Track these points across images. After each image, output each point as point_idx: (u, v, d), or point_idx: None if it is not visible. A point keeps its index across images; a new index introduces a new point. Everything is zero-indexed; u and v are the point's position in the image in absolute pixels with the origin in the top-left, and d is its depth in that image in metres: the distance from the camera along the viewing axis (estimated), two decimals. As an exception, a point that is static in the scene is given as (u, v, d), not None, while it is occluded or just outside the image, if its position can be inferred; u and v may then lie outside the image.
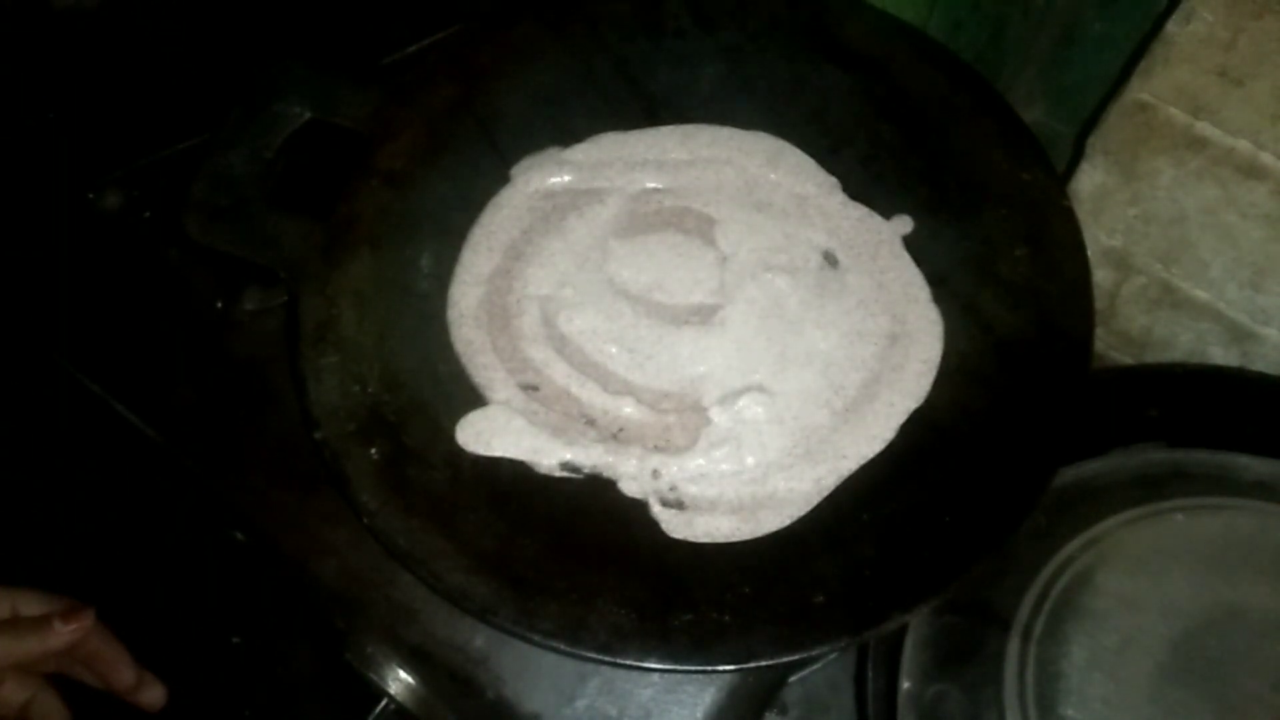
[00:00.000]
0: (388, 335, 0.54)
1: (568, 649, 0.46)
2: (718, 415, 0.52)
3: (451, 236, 0.58)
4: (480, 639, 0.53)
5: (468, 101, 0.61)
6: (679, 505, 0.50)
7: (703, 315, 0.56)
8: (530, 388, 0.53)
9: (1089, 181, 0.70)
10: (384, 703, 0.56)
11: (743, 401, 0.52)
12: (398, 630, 0.54)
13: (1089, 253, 0.56)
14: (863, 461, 0.51)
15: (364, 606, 0.55)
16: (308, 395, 0.51)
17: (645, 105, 0.62)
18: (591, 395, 0.53)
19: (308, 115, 0.58)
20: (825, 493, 0.51)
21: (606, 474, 0.51)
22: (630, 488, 0.51)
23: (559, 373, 0.54)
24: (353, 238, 0.56)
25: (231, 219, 0.55)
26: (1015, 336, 0.54)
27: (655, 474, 0.51)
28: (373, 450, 0.50)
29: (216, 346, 0.63)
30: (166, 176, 0.68)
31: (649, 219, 0.59)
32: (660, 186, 0.60)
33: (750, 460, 0.51)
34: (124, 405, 0.63)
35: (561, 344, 0.55)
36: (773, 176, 0.60)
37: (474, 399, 0.53)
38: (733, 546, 0.49)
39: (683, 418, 0.53)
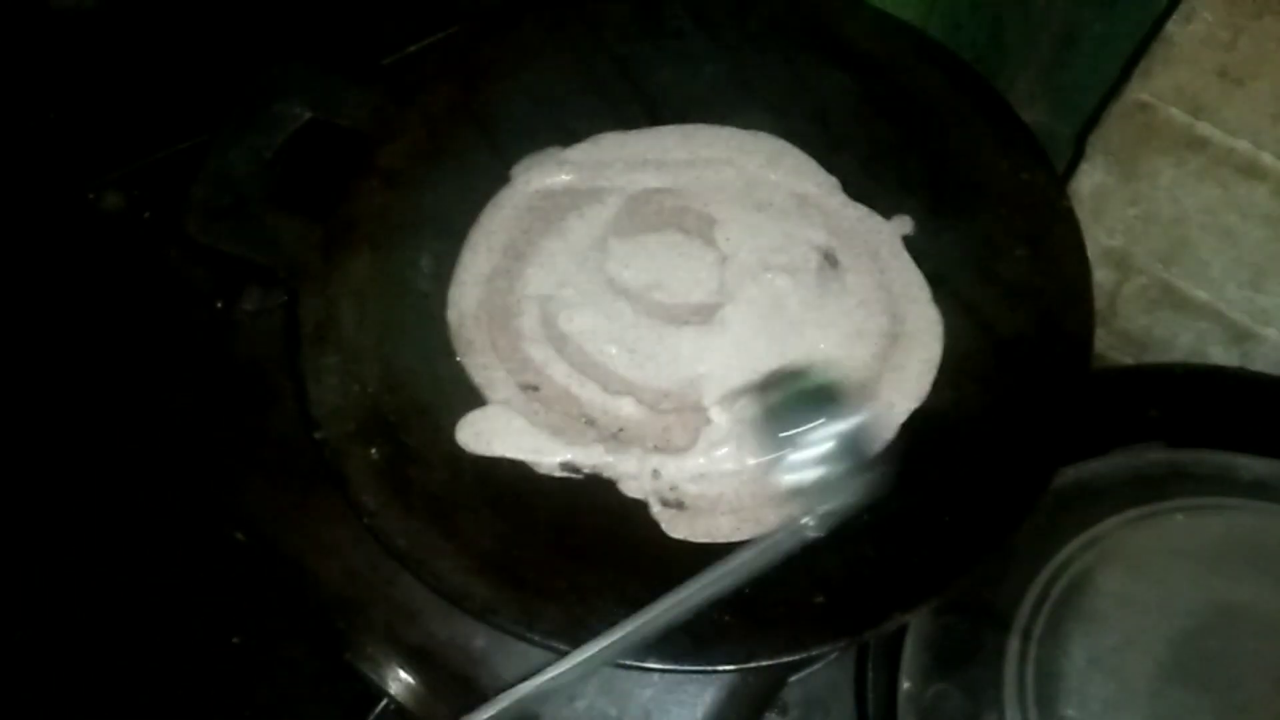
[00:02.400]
0: (388, 335, 0.54)
1: (568, 649, 0.45)
2: (718, 415, 0.52)
3: (451, 236, 0.58)
4: (480, 639, 0.53)
5: (468, 101, 0.61)
6: (679, 505, 0.50)
7: (703, 315, 0.56)
8: (530, 388, 0.53)
9: (1089, 181, 0.70)
10: (384, 702, 0.56)
11: (743, 401, 0.52)
12: (398, 630, 0.54)
13: (1089, 253, 0.56)
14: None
15: (364, 606, 0.55)
16: (308, 395, 0.51)
17: (645, 105, 0.62)
18: (591, 395, 0.53)
19: (308, 115, 0.58)
20: None
21: (606, 474, 0.51)
22: (631, 488, 0.51)
23: (559, 372, 0.54)
24: (353, 238, 0.56)
25: (231, 219, 0.55)
26: (1015, 336, 0.54)
27: (655, 474, 0.51)
28: (373, 450, 0.50)
29: (216, 346, 0.63)
30: (166, 176, 0.68)
31: (649, 219, 0.59)
32: (660, 186, 0.60)
33: (751, 461, 0.51)
34: (124, 406, 0.63)
35: (561, 344, 0.55)
36: (773, 176, 0.60)
37: (474, 399, 0.53)
38: (732, 546, 0.49)
39: (683, 417, 0.53)
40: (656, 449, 0.52)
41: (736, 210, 0.59)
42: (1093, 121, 0.70)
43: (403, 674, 0.54)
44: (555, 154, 0.60)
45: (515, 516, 0.50)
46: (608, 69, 0.63)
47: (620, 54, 0.63)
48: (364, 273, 0.55)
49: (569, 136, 0.61)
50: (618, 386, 0.54)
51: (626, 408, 0.53)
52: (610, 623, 0.46)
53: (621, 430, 0.52)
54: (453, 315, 0.55)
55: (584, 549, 0.49)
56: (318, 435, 0.50)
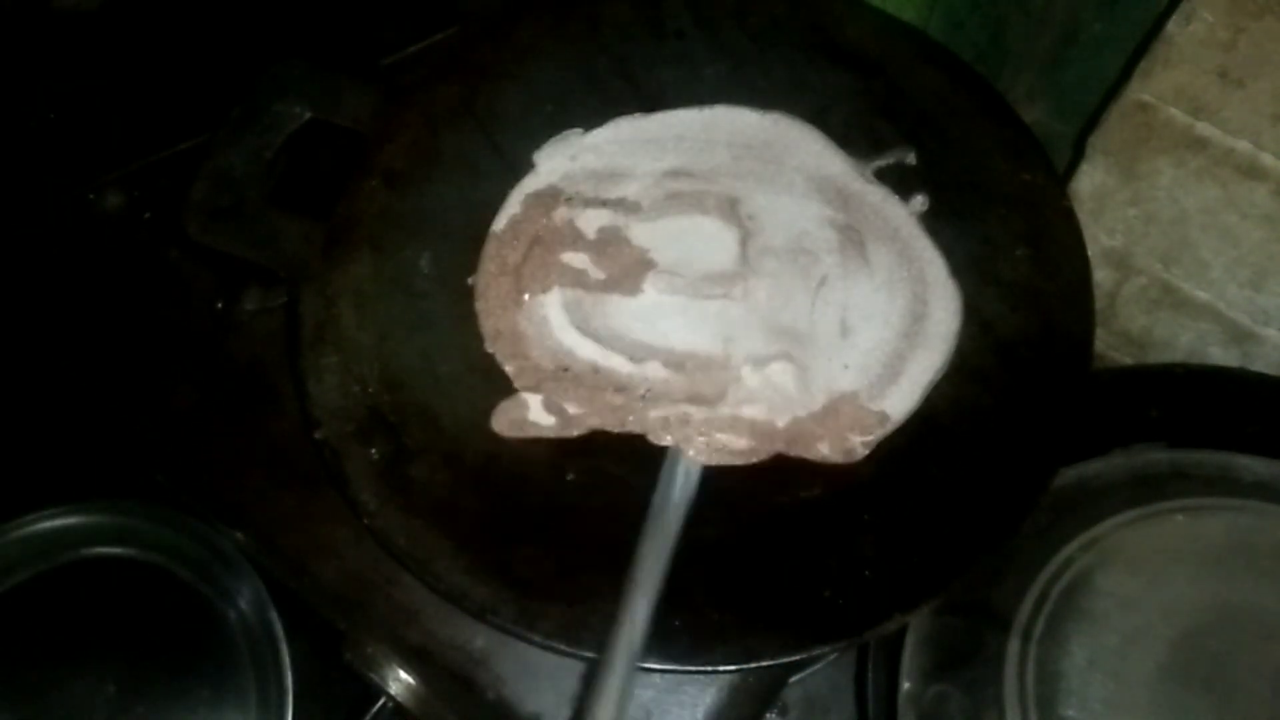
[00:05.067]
0: (388, 335, 0.54)
1: (568, 649, 0.46)
2: (749, 374, 0.53)
3: (452, 236, 0.58)
4: (480, 639, 0.53)
5: (468, 101, 0.61)
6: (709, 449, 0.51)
7: (726, 295, 0.56)
8: (561, 369, 0.53)
9: (1089, 181, 0.70)
10: (381, 701, 0.56)
11: (774, 366, 0.53)
12: (398, 630, 0.54)
13: (1089, 253, 0.56)
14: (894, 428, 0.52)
15: (364, 606, 0.55)
16: (308, 395, 0.51)
17: (646, 105, 0.62)
18: (618, 365, 0.54)
19: (308, 115, 0.58)
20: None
21: (636, 429, 0.52)
22: (661, 437, 0.51)
23: (587, 352, 0.54)
24: (353, 238, 0.56)
25: (231, 219, 0.55)
26: (1016, 336, 0.54)
27: (685, 420, 0.51)
28: (373, 450, 0.50)
29: (216, 346, 0.63)
30: (166, 176, 0.68)
31: (671, 200, 0.59)
32: (681, 167, 0.60)
33: (780, 424, 0.52)
34: (124, 406, 0.63)
35: (587, 325, 0.55)
36: (794, 158, 0.60)
37: (474, 398, 0.53)
38: (733, 546, 0.49)
39: (711, 374, 0.53)
40: (687, 400, 0.52)
41: (758, 191, 0.59)
42: (1093, 121, 0.70)
43: (403, 674, 0.54)
44: (577, 139, 0.60)
45: (516, 517, 0.50)
46: (608, 69, 0.63)
47: (620, 54, 0.63)
48: (364, 273, 0.55)
49: (570, 136, 0.61)
50: (643, 354, 0.54)
51: (653, 371, 0.53)
52: (610, 623, 0.46)
53: (649, 390, 0.53)
54: (480, 306, 0.55)
55: (584, 549, 0.49)
56: (318, 435, 0.50)
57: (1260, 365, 0.72)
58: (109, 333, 0.65)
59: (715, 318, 0.55)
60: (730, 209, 0.58)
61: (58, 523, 0.70)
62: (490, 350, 0.54)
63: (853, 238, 0.57)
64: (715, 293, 0.56)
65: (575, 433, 0.52)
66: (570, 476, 0.51)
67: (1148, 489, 0.61)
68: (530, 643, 0.46)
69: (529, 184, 0.59)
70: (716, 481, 0.51)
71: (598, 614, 0.46)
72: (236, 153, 0.56)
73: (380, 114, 0.59)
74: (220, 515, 0.62)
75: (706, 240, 0.57)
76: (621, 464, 0.52)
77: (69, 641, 0.67)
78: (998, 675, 0.55)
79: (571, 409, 0.52)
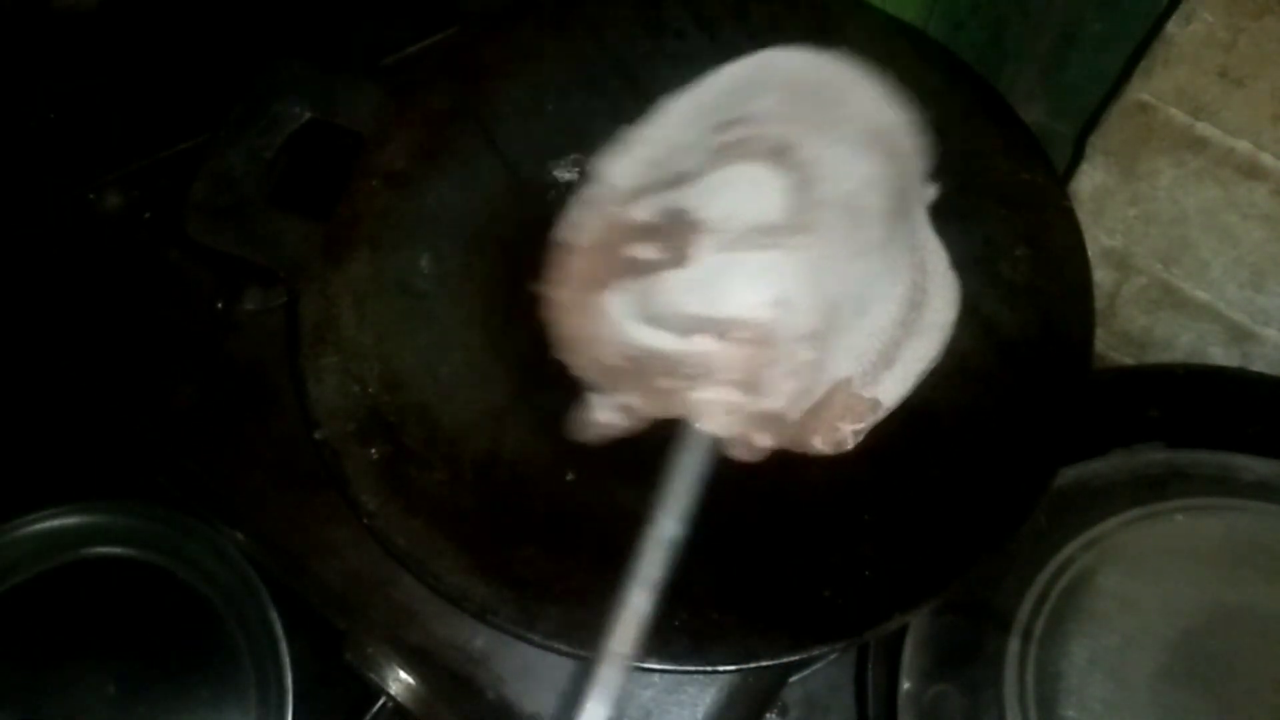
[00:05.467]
0: (388, 335, 0.54)
1: (568, 649, 0.46)
2: (784, 359, 0.52)
3: (452, 236, 0.58)
4: (480, 639, 0.53)
5: (468, 101, 0.61)
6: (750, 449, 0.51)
7: (779, 246, 0.53)
8: (626, 361, 0.53)
9: (1089, 181, 0.70)
10: (381, 701, 0.56)
11: (806, 351, 0.52)
12: (398, 630, 0.54)
13: (1089, 253, 0.56)
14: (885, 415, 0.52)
15: (364, 606, 0.55)
16: (308, 395, 0.51)
17: (646, 105, 0.62)
18: (668, 345, 0.52)
19: (308, 115, 0.58)
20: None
21: (679, 413, 0.51)
22: (706, 424, 0.51)
23: (646, 339, 0.53)
24: (353, 238, 0.56)
25: (231, 219, 0.55)
26: (1015, 337, 0.54)
27: (728, 409, 0.51)
28: (373, 450, 0.50)
29: (216, 347, 0.63)
30: (166, 176, 0.68)
31: (719, 154, 0.56)
32: (731, 118, 0.57)
33: (791, 418, 0.52)
34: (124, 406, 0.63)
35: (646, 311, 0.53)
36: (849, 104, 0.58)
37: (474, 398, 0.53)
38: (733, 546, 0.49)
39: (754, 353, 0.52)
40: (730, 382, 0.51)
41: (811, 138, 0.56)
42: (1093, 121, 0.70)
43: (403, 674, 0.54)
44: (628, 135, 0.59)
45: (515, 516, 0.50)
46: (609, 69, 0.63)
47: (621, 54, 0.63)
48: (364, 273, 0.55)
49: (570, 137, 0.61)
50: (692, 327, 0.52)
51: (700, 344, 0.52)
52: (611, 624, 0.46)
53: (695, 368, 0.52)
54: (550, 315, 0.55)
55: (585, 549, 0.49)
56: (318, 435, 0.50)
57: (1260, 365, 0.72)
58: (109, 333, 0.65)
59: (767, 273, 0.53)
60: (781, 155, 0.55)
61: (58, 523, 0.70)
62: (559, 357, 0.54)
63: (900, 202, 0.55)
64: (765, 243, 0.53)
65: (639, 427, 0.52)
66: (570, 476, 0.51)
67: (1148, 489, 0.61)
68: (530, 643, 0.46)
69: (595, 195, 0.58)
70: (718, 481, 0.51)
71: (598, 615, 0.46)
72: (236, 153, 0.56)
73: (380, 114, 0.59)
74: (220, 515, 0.62)
75: (755, 190, 0.55)
76: (621, 462, 0.52)
77: (69, 641, 0.67)
78: (998, 675, 0.55)
79: (634, 402, 0.52)
